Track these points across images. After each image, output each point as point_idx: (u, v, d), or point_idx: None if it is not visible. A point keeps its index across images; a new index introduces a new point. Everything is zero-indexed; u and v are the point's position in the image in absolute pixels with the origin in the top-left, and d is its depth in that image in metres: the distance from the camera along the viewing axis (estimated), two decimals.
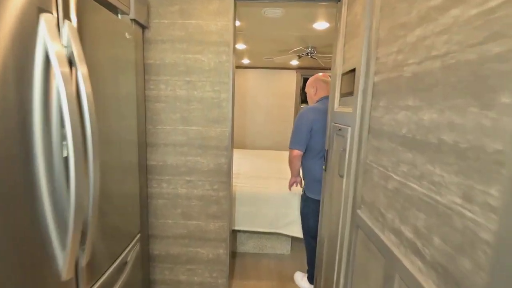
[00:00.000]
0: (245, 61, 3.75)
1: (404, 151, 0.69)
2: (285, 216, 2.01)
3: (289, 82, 4.24)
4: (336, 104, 1.30)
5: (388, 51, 0.79)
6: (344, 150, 1.10)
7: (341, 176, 1.13)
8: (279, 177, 2.45)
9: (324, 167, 1.52)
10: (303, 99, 4.23)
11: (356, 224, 1.01)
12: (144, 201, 1.45)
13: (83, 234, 0.76)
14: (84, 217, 0.76)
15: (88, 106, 0.74)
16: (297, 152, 1.65)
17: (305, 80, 4.20)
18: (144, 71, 1.36)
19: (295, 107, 4.26)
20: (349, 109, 1.10)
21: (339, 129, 1.20)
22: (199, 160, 1.48)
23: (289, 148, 1.69)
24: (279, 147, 4.40)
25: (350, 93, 1.09)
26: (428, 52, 0.59)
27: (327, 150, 1.49)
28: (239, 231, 2.16)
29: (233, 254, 2.20)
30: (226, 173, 1.49)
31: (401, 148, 0.70)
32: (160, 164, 1.49)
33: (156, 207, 1.53)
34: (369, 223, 0.88)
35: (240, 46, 2.84)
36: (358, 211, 1.00)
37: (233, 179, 2.31)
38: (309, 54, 2.72)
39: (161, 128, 1.45)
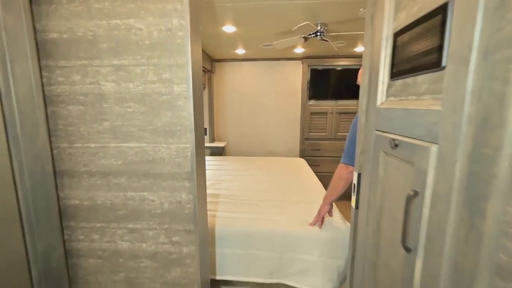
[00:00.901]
0: (240, 51, 3.15)
1: None
2: (295, 263, 1.36)
3: (294, 75, 3.61)
4: (380, 94, 0.68)
5: None
6: (418, 194, 0.49)
7: (408, 250, 0.53)
8: (286, 200, 1.78)
9: (354, 202, 0.91)
10: (311, 95, 3.59)
11: None
12: (59, 264, 0.88)
13: None
14: None
15: None
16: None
17: (313, 72, 3.57)
18: (37, 52, 0.78)
19: (301, 105, 3.63)
20: (427, 103, 0.49)
21: (396, 145, 0.59)
22: (147, 197, 0.90)
23: (344, 163, 1.20)
24: (283, 153, 3.78)
25: (429, 67, 0.48)
26: None
27: (359, 175, 0.89)
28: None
29: None
30: (191, 217, 0.90)
31: None
32: (85, 204, 0.92)
33: (86, 271, 0.96)
34: None
35: (230, 28, 2.24)
36: None
37: (216, 205, 1.69)
38: (319, 34, 2.10)
39: (81, 146, 0.88)
